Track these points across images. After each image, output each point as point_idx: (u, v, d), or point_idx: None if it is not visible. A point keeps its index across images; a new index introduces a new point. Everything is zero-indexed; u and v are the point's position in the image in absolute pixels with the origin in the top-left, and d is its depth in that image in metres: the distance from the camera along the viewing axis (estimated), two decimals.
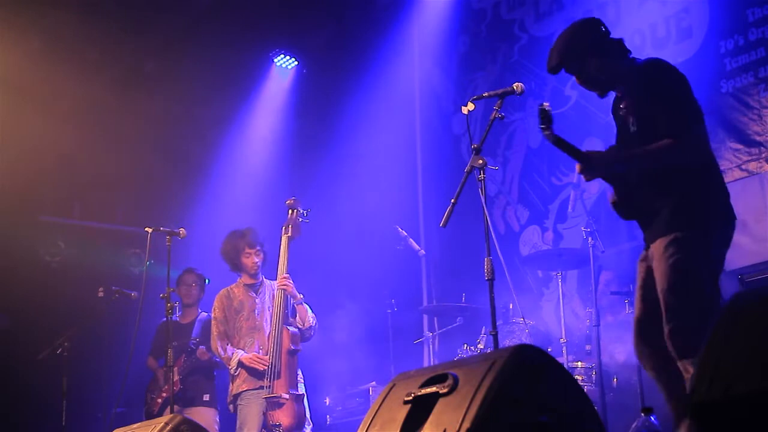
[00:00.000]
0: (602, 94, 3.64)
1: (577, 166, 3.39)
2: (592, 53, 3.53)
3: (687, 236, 3.30)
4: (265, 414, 5.29)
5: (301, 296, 5.59)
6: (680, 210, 3.34)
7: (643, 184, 3.45)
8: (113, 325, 7.12)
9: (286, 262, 5.52)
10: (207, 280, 6.71)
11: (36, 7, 7.16)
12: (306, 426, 5.36)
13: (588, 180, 3.47)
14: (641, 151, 3.39)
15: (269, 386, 5.27)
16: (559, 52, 3.57)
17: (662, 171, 3.38)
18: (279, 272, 5.53)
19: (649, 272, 3.48)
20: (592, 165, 3.37)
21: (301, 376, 5.55)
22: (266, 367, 5.33)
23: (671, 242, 3.31)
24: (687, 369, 3.27)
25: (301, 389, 5.47)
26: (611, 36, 3.60)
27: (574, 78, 3.63)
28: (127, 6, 7.66)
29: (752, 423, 1.64)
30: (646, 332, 3.48)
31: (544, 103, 3.25)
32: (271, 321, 5.52)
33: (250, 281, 5.75)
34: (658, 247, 3.36)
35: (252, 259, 5.69)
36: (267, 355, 5.39)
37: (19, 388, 7.24)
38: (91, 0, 7.32)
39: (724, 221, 3.40)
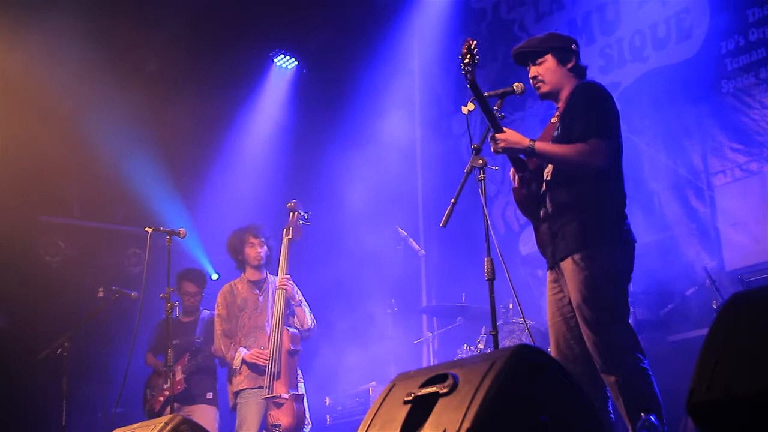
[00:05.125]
0: (541, 96, 3.85)
1: (491, 135, 3.58)
2: (554, 55, 3.77)
3: (595, 253, 3.48)
4: (265, 414, 5.31)
5: (300, 298, 5.60)
6: (585, 228, 3.51)
7: (554, 185, 3.63)
8: (113, 326, 7.13)
9: (286, 264, 5.54)
10: (216, 275, 6.67)
11: (37, 8, 7.16)
12: (305, 426, 5.37)
13: (495, 151, 3.63)
14: (555, 145, 3.60)
15: (269, 386, 5.27)
16: (528, 41, 3.90)
17: (570, 181, 3.58)
18: (279, 273, 5.54)
19: (561, 295, 3.62)
20: (507, 138, 3.57)
21: (301, 376, 5.56)
22: (266, 362, 5.34)
23: (582, 258, 3.48)
24: (608, 380, 3.43)
25: (301, 389, 5.48)
26: (580, 59, 3.83)
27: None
28: (127, 6, 7.67)
29: (752, 423, 1.63)
30: (566, 355, 3.58)
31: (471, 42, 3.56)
32: (272, 320, 5.53)
33: (254, 277, 5.74)
34: (569, 264, 3.52)
35: (256, 249, 5.68)
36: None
37: (19, 388, 7.22)
38: (93, 0, 7.32)
39: (626, 242, 3.56)
